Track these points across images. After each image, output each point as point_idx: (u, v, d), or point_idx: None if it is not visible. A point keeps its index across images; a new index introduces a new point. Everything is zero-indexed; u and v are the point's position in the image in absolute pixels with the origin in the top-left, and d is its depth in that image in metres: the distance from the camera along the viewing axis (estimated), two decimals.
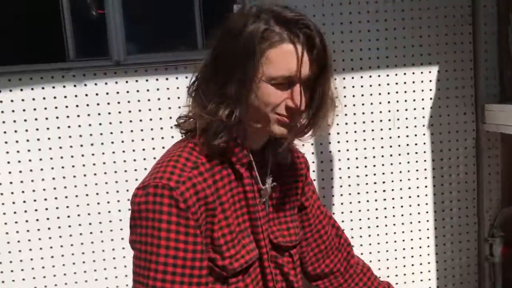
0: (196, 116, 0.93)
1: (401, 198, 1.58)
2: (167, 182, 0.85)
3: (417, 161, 1.57)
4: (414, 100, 1.55)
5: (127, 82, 1.43)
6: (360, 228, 1.57)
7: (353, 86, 1.51)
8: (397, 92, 1.54)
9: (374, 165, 1.56)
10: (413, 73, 1.54)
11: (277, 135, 0.94)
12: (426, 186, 1.59)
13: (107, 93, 1.42)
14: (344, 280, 1.23)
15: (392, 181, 1.57)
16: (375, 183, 1.56)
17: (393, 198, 1.58)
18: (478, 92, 1.57)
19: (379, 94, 1.53)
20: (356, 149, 1.54)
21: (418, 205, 1.59)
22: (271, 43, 0.90)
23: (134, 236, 0.89)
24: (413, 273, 1.62)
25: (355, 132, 1.54)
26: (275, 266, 1.06)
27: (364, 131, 1.54)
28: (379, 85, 1.53)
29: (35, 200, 1.41)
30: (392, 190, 1.57)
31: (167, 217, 0.85)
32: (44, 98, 1.39)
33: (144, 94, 1.44)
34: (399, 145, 1.56)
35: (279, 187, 1.06)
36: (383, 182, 1.56)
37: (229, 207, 0.94)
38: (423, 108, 1.56)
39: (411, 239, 1.60)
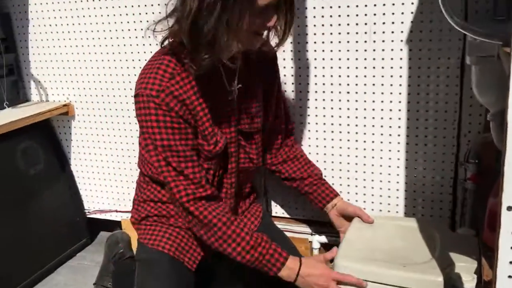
0: (184, 32, 1.14)
1: (373, 110, 1.65)
2: (150, 92, 1.22)
3: (392, 76, 1.59)
4: (393, 13, 1.54)
5: None
6: (332, 131, 1.72)
7: None
8: (375, 5, 1.55)
9: (348, 76, 1.65)
10: None
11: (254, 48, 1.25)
12: (400, 102, 1.61)
13: None
14: (288, 165, 1.58)
15: (365, 92, 1.64)
16: (348, 92, 1.66)
17: (364, 109, 1.66)
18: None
19: (356, 6, 1.57)
20: (331, 59, 1.65)
21: (390, 118, 1.63)
22: None
23: (139, 128, 1.29)
24: (380, 189, 1.72)
25: (331, 42, 1.64)
26: (240, 146, 1.46)
27: (339, 42, 1.63)
28: None
29: None
30: (365, 101, 1.65)
31: (156, 117, 1.23)
32: None
33: None
34: (374, 59, 1.60)
35: (246, 85, 1.38)
36: (356, 93, 1.65)
37: (206, 106, 1.32)
38: (402, 22, 1.54)
39: (380, 157, 1.68)
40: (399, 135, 1.64)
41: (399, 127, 1.63)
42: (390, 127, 1.64)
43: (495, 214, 1.25)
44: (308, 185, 1.59)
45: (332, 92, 1.68)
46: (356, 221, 1.51)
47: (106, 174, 2.15)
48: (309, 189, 1.59)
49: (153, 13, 1.83)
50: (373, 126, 1.67)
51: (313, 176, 1.60)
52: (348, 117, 1.69)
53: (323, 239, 1.82)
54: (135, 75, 1.93)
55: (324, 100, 1.69)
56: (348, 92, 1.65)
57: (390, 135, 1.65)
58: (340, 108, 1.69)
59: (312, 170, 1.61)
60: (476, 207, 1.58)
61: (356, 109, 1.67)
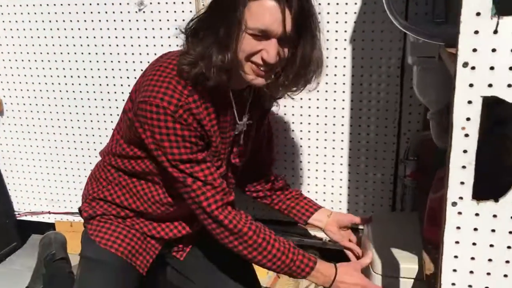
0: (191, 54, 1.11)
1: (317, 108, 1.66)
2: (167, 106, 1.11)
3: (335, 75, 1.61)
4: (337, 13, 1.56)
5: None
6: (277, 129, 1.72)
7: None
8: (319, 4, 1.55)
9: None
10: None
11: (252, 84, 1.16)
12: (343, 100, 1.63)
13: None
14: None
15: (309, 90, 1.65)
16: None
17: (309, 107, 1.67)
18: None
19: None
20: None
21: (334, 116, 1.66)
22: None
23: (146, 137, 1.16)
24: (324, 186, 1.74)
25: None
26: (226, 178, 1.38)
27: None
28: None
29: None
30: (309, 99, 1.66)
31: (173, 131, 1.13)
32: None
33: None
34: None
35: (252, 121, 1.33)
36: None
37: (217, 130, 1.23)
38: (345, 22, 1.56)
39: (325, 155, 1.71)
40: (342, 133, 1.67)
41: (342, 125, 1.66)
42: (334, 124, 1.67)
43: (435, 209, 1.30)
44: (290, 199, 1.54)
45: None
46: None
47: (39, 173, 2.03)
48: (291, 203, 1.53)
49: (84, 12, 1.74)
50: (317, 124, 1.68)
51: (293, 191, 1.56)
52: (293, 115, 1.69)
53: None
54: (70, 68, 1.84)
55: None
56: None
57: (333, 132, 1.67)
58: (285, 106, 1.68)
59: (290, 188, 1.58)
60: (416, 203, 1.63)
61: (301, 107, 1.68)
